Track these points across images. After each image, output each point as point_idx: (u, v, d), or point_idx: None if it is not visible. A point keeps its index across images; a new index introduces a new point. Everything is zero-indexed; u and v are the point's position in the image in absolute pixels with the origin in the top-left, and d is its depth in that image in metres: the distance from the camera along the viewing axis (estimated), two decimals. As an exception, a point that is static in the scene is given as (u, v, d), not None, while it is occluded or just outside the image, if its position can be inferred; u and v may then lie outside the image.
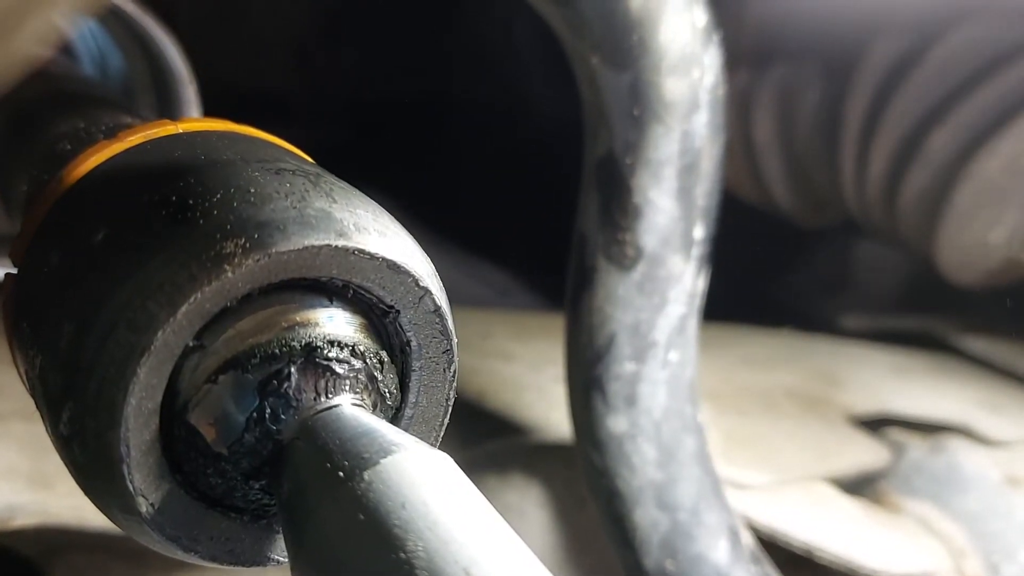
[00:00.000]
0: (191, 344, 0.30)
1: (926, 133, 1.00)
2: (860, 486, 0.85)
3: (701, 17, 0.56)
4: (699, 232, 0.60)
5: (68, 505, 0.65)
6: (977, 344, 1.08)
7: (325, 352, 0.31)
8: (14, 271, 0.36)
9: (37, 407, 0.34)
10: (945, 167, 0.99)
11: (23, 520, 0.64)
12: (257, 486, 0.31)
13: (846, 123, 1.05)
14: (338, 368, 0.31)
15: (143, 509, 0.30)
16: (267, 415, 0.30)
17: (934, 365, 1.05)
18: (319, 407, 0.31)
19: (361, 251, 0.31)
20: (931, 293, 1.17)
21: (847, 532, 0.77)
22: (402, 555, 0.25)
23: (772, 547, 0.74)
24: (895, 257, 1.20)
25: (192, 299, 0.29)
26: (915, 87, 1.01)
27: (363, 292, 0.32)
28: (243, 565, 0.33)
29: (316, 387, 0.31)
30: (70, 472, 0.31)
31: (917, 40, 0.99)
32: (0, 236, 0.65)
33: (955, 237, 1.01)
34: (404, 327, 0.33)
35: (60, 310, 0.32)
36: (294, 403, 0.31)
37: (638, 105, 0.56)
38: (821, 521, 0.77)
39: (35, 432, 0.32)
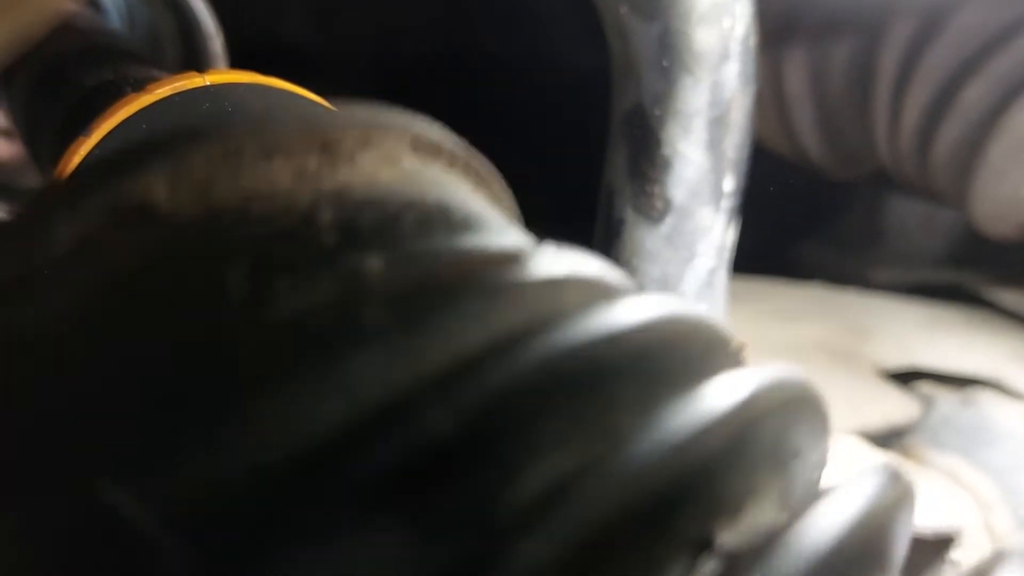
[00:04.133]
0: None
1: (960, 85, 0.98)
2: (889, 439, 0.85)
3: (732, -36, 0.55)
4: (729, 184, 0.60)
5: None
6: (1010, 297, 1.06)
7: None
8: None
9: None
10: (980, 119, 0.97)
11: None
12: None
13: (879, 74, 1.03)
14: None
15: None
16: None
17: (966, 318, 1.04)
18: None
19: None
20: (964, 246, 1.15)
21: (875, 486, 0.77)
22: None
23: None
24: (927, 210, 1.18)
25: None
26: (950, 38, 0.98)
27: None
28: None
29: None
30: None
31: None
32: (30, 190, 0.66)
33: (989, 190, 0.99)
34: None
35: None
36: None
37: (667, 56, 0.56)
38: (850, 475, 0.77)
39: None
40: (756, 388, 0.21)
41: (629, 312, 0.21)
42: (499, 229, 0.24)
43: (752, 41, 0.58)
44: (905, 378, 0.91)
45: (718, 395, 0.20)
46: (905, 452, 0.84)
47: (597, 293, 0.22)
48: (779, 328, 0.96)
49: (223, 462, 0.17)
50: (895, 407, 0.87)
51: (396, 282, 0.20)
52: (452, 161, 0.26)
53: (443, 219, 0.22)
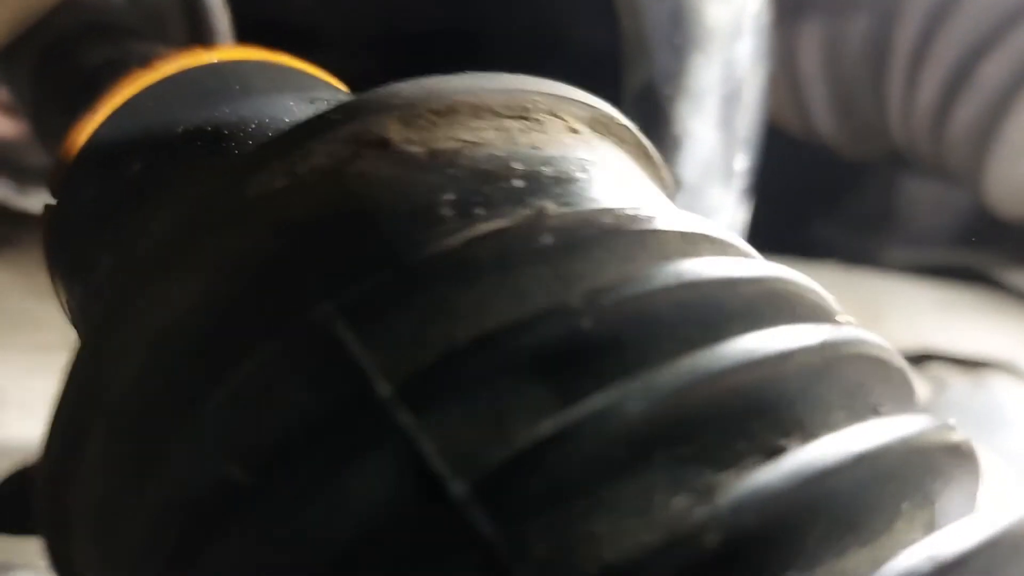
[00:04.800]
0: None
1: (977, 62, 0.97)
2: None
3: (746, -61, 0.54)
4: (740, 163, 0.59)
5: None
6: (1023, 279, 1.06)
7: None
8: (53, 202, 0.36)
9: (79, 337, 0.34)
10: (997, 97, 0.96)
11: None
12: None
13: (894, 51, 1.02)
14: None
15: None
16: None
17: (979, 300, 1.03)
18: None
19: None
20: (978, 227, 1.15)
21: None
22: None
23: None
24: (941, 190, 1.17)
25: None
26: (966, 13, 0.97)
27: None
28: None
29: None
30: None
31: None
32: (38, 168, 0.65)
33: (1005, 170, 0.99)
34: None
35: (97, 241, 0.32)
36: None
37: (679, 33, 0.55)
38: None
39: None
40: (839, 338, 0.25)
41: (747, 266, 0.25)
42: (650, 196, 0.30)
43: (765, 17, 0.57)
44: (917, 360, 0.90)
45: (803, 335, 0.24)
46: (916, 434, 0.83)
47: (724, 251, 0.27)
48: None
49: (427, 331, 0.23)
50: (906, 389, 0.87)
51: (564, 220, 0.25)
52: (622, 139, 0.31)
53: (607, 181, 0.28)
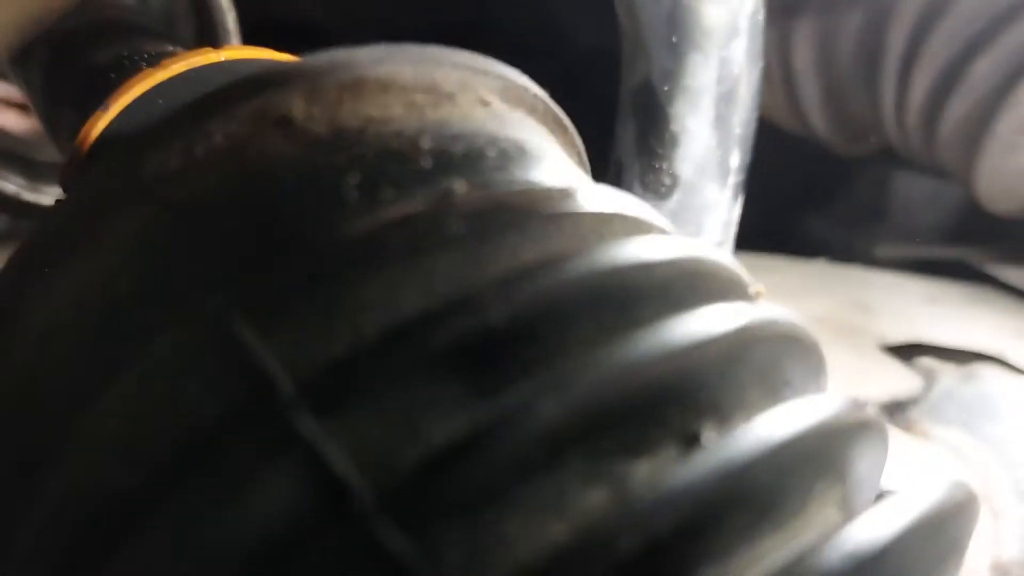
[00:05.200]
0: None
1: (968, 60, 0.97)
2: (891, 413, 0.85)
3: (742, -60, 0.55)
4: (735, 160, 0.60)
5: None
6: (1013, 274, 1.07)
7: None
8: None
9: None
10: (987, 95, 0.97)
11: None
12: None
13: (887, 49, 1.03)
14: None
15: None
16: None
17: (969, 295, 1.04)
18: None
19: None
20: (969, 223, 1.15)
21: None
22: None
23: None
24: (933, 186, 1.18)
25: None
26: (958, 13, 0.98)
27: None
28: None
29: None
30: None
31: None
32: (50, 164, 0.66)
33: (996, 166, 0.99)
34: None
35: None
36: None
37: (676, 32, 0.56)
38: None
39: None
40: (752, 319, 0.25)
41: (661, 247, 0.25)
42: (563, 169, 0.28)
43: (761, 16, 0.58)
44: (907, 353, 0.91)
45: (718, 318, 0.24)
46: (907, 426, 0.84)
47: (639, 229, 0.26)
48: (783, 304, 0.96)
49: (333, 325, 0.21)
50: (897, 381, 0.88)
51: (475, 203, 0.24)
52: (534, 108, 0.30)
53: (519, 156, 0.27)
